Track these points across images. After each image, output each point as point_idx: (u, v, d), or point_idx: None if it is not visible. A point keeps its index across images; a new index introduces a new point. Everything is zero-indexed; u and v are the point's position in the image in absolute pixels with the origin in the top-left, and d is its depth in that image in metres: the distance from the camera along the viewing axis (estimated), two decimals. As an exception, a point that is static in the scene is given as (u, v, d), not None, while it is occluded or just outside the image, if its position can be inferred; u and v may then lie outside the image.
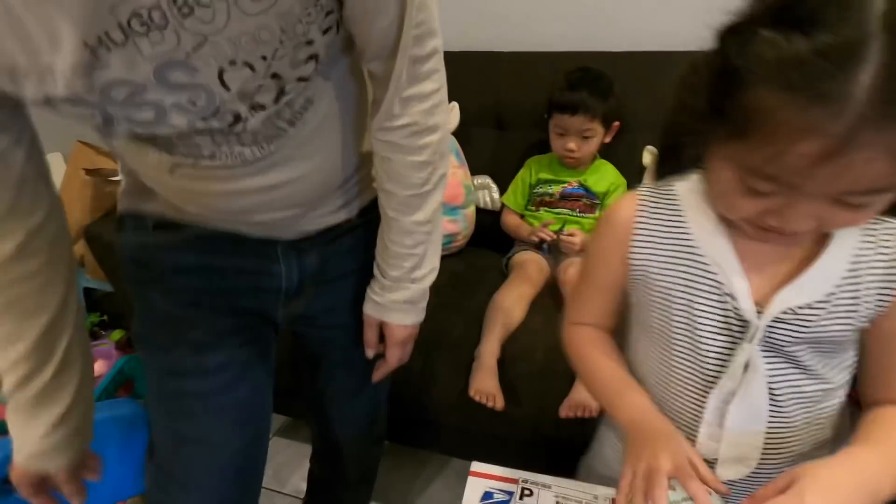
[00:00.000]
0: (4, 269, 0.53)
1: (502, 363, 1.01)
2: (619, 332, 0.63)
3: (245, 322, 0.69)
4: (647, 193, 0.55)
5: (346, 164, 0.64)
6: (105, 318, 1.68)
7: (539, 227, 1.28)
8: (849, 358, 0.52)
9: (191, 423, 0.67)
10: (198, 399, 0.66)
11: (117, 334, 1.54)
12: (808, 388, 0.51)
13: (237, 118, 0.51)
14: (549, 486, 0.58)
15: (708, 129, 0.42)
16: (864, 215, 0.41)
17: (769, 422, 0.51)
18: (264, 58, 0.47)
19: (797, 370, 0.50)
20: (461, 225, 1.37)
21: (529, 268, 1.21)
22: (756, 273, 0.49)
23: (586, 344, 0.62)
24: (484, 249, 1.43)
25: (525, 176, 1.37)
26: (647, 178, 1.24)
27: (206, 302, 0.66)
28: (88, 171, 1.42)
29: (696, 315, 0.51)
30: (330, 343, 0.79)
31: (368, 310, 0.71)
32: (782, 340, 0.49)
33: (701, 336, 0.51)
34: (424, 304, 0.72)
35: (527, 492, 0.58)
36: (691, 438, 0.54)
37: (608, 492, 0.57)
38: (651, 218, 0.54)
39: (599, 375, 0.60)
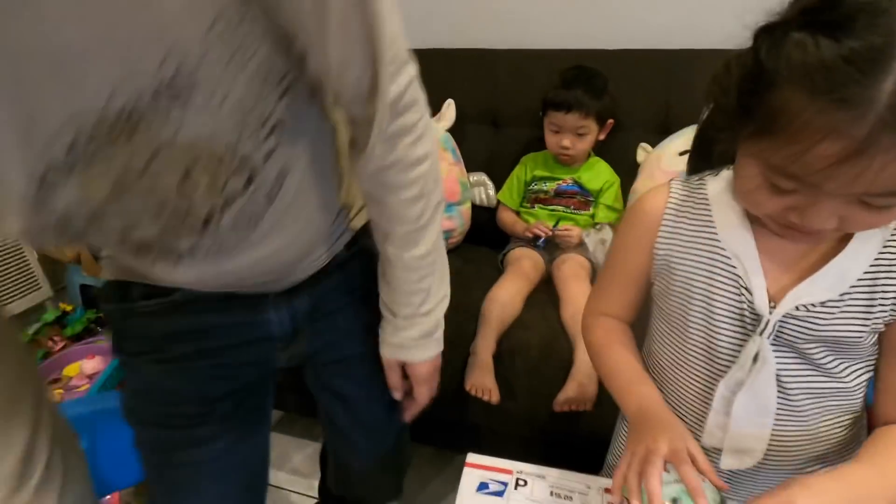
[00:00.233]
0: None
1: (498, 358, 1.03)
2: (640, 324, 0.65)
3: (240, 381, 0.66)
4: (679, 187, 0.57)
5: (330, 214, 0.62)
6: (102, 314, 1.68)
7: (534, 223, 1.29)
8: (867, 361, 0.52)
9: (188, 493, 0.66)
10: (193, 469, 0.65)
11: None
12: (820, 385, 0.51)
13: (209, 217, 0.48)
14: (544, 477, 0.59)
15: (737, 127, 0.43)
16: (886, 217, 0.41)
17: (778, 414, 0.52)
18: (225, 152, 0.45)
19: (809, 366, 0.51)
20: (457, 221, 1.38)
21: (525, 264, 1.22)
22: (776, 269, 0.50)
23: (605, 334, 0.63)
24: (480, 246, 1.45)
25: (520, 173, 1.38)
26: (640, 176, 1.26)
27: (198, 366, 0.63)
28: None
29: (713, 305, 0.53)
30: (344, 377, 0.76)
31: (386, 353, 0.69)
32: (794, 336, 0.50)
33: (716, 326, 0.53)
34: (441, 332, 0.70)
35: (521, 482, 0.59)
36: (700, 426, 0.56)
37: (602, 482, 0.58)
38: (680, 210, 0.56)
39: (613, 366, 0.61)
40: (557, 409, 0.96)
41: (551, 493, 0.57)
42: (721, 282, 0.52)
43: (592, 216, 1.32)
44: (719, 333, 0.53)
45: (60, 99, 0.36)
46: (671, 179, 0.58)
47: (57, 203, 0.41)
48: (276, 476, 1.32)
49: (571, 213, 1.32)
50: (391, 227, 0.61)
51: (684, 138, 1.21)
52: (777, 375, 0.51)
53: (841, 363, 0.51)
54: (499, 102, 1.45)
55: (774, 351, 0.51)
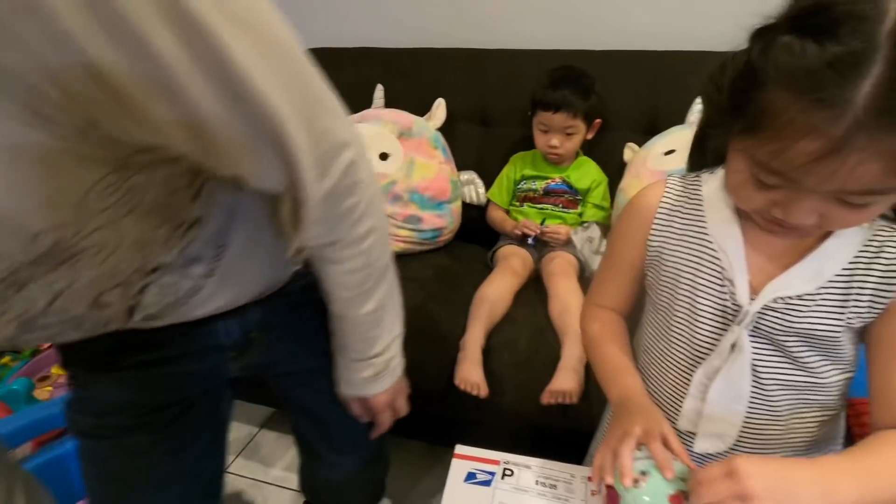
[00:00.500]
0: None
1: (487, 353, 1.04)
2: (634, 316, 0.67)
3: (189, 389, 0.65)
4: (675, 183, 0.59)
5: (279, 260, 0.60)
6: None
7: (522, 222, 1.30)
8: (846, 362, 0.53)
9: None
10: (126, 480, 0.63)
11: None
12: (794, 378, 0.53)
13: (132, 308, 0.47)
14: (529, 467, 0.61)
15: (728, 123, 0.45)
16: (863, 215, 0.43)
17: (750, 402, 0.54)
18: (132, 274, 0.43)
19: (786, 360, 0.53)
20: (447, 219, 1.40)
21: (514, 261, 1.24)
22: (761, 263, 0.52)
23: (601, 328, 0.66)
24: (470, 243, 1.46)
25: (509, 172, 1.39)
26: (627, 175, 1.28)
27: (148, 374, 0.60)
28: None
29: (697, 296, 0.55)
30: (304, 388, 0.75)
31: (342, 390, 0.69)
32: (771, 328, 0.52)
33: (699, 316, 0.55)
34: (397, 362, 0.68)
35: (508, 472, 0.61)
36: (677, 413, 0.58)
37: (585, 471, 0.60)
38: (674, 205, 0.58)
39: (604, 358, 0.64)
40: (545, 403, 0.97)
41: (537, 482, 0.59)
42: (706, 273, 0.54)
43: (580, 214, 1.34)
44: (701, 323, 0.55)
45: None
46: (668, 176, 0.61)
47: None
48: (268, 473, 1.33)
49: (560, 211, 1.34)
50: (335, 292, 0.60)
51: (670, 138, 1.23)
52: (753, 365, 0.53)
53: (819, 359, 0.52)
54: (488, 102, 1.46)
55: (753, 342, 0.53)
